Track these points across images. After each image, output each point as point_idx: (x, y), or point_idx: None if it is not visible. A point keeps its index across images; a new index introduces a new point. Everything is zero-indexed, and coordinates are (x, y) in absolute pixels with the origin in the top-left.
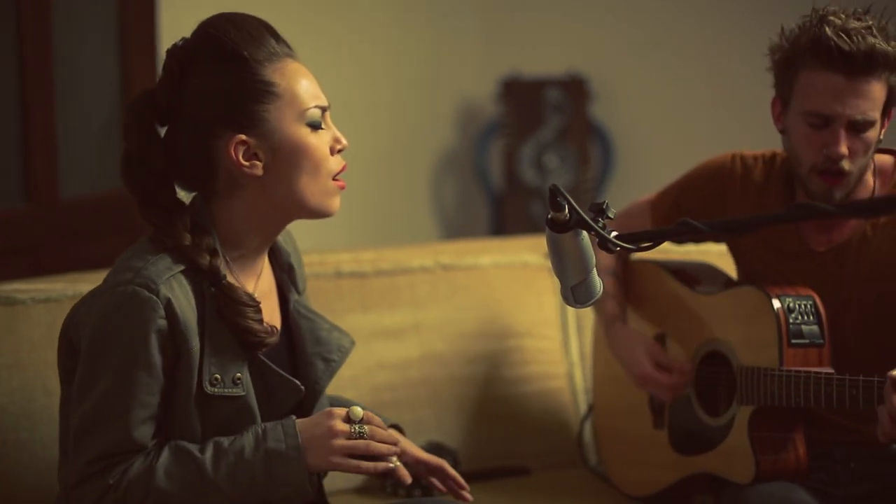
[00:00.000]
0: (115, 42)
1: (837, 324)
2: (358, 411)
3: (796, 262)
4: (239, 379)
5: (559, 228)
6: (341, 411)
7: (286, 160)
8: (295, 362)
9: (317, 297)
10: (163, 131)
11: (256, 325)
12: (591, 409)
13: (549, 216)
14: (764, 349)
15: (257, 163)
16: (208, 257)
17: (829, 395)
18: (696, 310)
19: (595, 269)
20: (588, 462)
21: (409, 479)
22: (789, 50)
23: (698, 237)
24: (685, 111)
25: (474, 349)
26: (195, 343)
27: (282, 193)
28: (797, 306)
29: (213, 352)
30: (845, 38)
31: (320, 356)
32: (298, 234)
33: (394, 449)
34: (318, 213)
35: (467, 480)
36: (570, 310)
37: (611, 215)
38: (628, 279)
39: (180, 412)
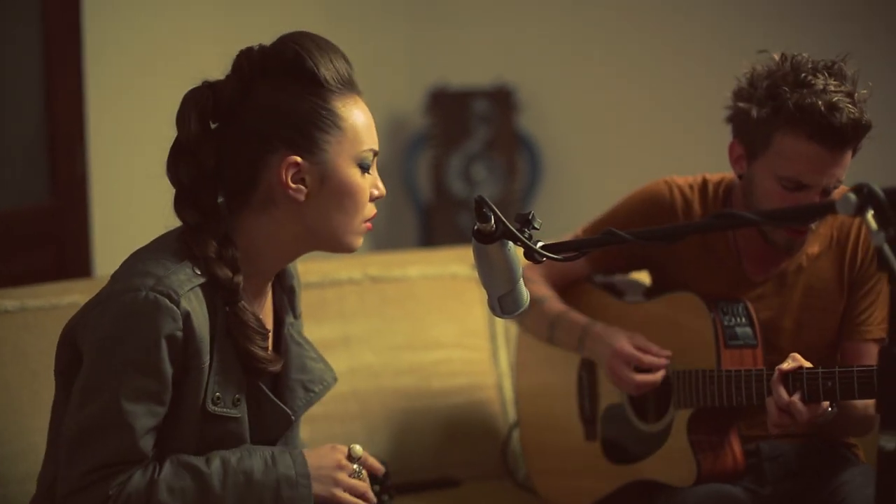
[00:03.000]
0: (39, 59)
1: (772, 346)
2: (358, 450)
3: (735, 292)
4: (238, 400)
5: (485, 239)
6: (344, 448)
7: (331, 194)
8: (277, 385)
9: None
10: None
11: (262, 353)
12: (515, 423)
13: (476, 227)
14: (700, 352)
15: (303, 188)
16: (230, 273)
17: (761, 392)
18: (627, 318)
19: (522, 279)
20: (515, 475)
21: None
22: (768, 109)
23: (632, 263)
24: (612, 122)
25: (403, 361)
26: (206, 359)
27: (315, 223)
28: (730, 309)
29: (219, 370)
30: (836, 113)
31: (302, 384)
32: None
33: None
34: (342, 249)
35: (397, 492)
36: (499, 321)
37: (537, 226)
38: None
39: (182, 427)
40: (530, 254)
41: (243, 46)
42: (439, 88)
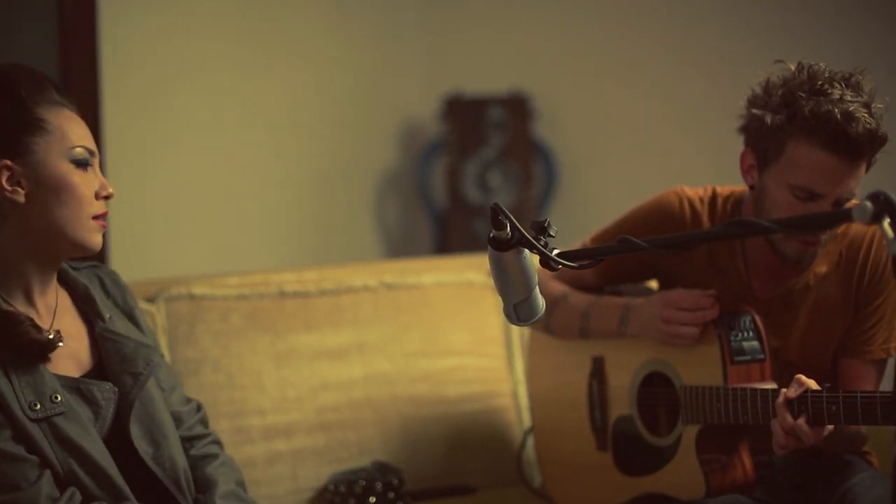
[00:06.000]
0: (55, 73)
1: (780, 362)
2: None
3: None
4: (57, 398)
5: (501, 247)
6: None
7: (48, 192)
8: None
9: (260, 317)
10: None
11: (36, 335)
12: (529, 430)
13: (491, 234)
14: (707, 368)
15: (20, 189)
16: None
17: (767, 413)
18: None
19: (538, 287)
20: (531, 482)
21: None
22: (783, 116)
23: (640, 274)
24: (627, 129)
25: (418, 368)
26: (2, 382)
27: (42, 224)
28: (737, 323)
29: (22, 381)
30: (852, 123)
31: (127, 372)
32: (239, 253)
33: None
34: (78, 246)
35: (413, 500)
36: (514, 328)
37: (553, 233)
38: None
39: (31, 442)
40: (546, 261)
41: (259, 59)
42: (454, 96)
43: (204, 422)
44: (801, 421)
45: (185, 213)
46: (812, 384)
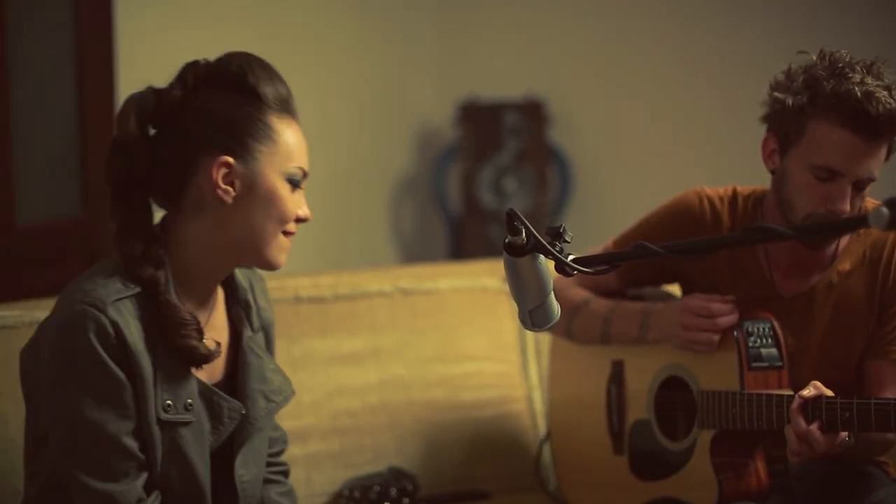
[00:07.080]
0: (71, 70)
1: (799, 363)
2: None
3: (764, 307)
4: (191, 405)
5: (517, 252)
6: None
7: (258, 201)
8: (235, 395)
9: (275, 322)
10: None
11: (196, 343)
12: (548, 434)
13: (507, 240)
14: (724, 373)
15: (231, 190)
16: (151, 269)
17: (782, 418)
18: None
19: (553, 293)
20: (547, 487)
21: None
22: (804, 97)
23: (661, 276)
24: (642, 134)
25: (433, 373)
26: (145, 368)
27: (239, 230)
28: (756, 329)
29: (165, 378)
30: (872, 102)
31: (262, 393)
32: None
33: None
34: (266, 260)
35: None
36: (529, 333)
37: (568, 239)
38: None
39: (144, 440)
40: (561, 267)
41: (275, 56)
42: (470, 101)
43: (282, 451)
44: (814, 427)
45: None
46: (827, 392)
